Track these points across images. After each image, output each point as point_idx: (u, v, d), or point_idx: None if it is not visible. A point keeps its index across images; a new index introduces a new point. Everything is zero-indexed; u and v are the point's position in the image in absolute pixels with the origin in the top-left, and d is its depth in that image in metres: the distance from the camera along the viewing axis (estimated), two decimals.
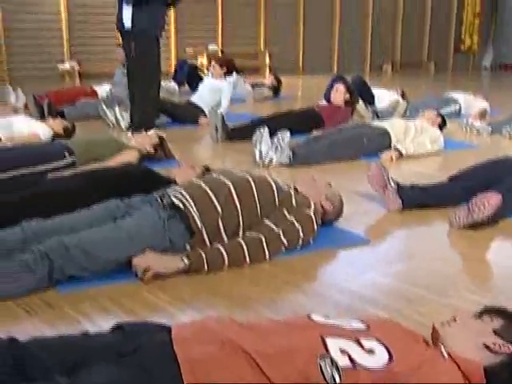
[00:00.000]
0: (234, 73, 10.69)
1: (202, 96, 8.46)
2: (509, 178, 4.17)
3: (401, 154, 6.08)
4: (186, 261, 3.06)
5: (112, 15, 10.08)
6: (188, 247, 3.19)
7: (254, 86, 11.31)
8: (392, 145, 6.17)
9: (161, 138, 5.69)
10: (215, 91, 8.43)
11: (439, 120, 6.94)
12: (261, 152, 5.64)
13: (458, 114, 8.94)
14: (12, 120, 6.47)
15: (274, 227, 3.31)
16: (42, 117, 7.49)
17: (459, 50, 21.27)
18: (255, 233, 3.28)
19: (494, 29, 21.61)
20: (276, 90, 11.42)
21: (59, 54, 13.86)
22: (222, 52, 15.10)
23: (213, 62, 8.87)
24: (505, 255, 3.67)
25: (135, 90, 7.16)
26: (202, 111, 8.20)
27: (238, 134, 6.86)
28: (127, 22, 6.91)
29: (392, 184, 4.32)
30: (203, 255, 3.09)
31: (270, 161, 5.63)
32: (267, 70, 16.03)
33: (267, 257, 3.27)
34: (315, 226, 3.47)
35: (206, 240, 3.22)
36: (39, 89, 9.41)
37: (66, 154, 5.01)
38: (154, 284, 2.99)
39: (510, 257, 3.63)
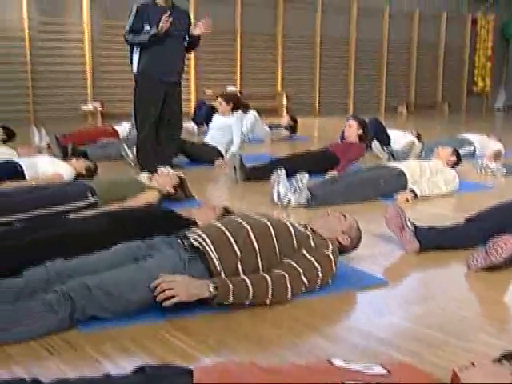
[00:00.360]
0: (252, 111, 10.78)
1: (214, 136, 8.46)
2: None
3: (415, 196, 6.05)
4: (212, 290, 3.01)
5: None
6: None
7: (271, 126, 11.35)
8: (408, 186, 6.14)
9: (181, 179, 5.69)
10: (224, 128, 8.42)
11: (454, 159, 6.90)
12: (279, 193, 5.62)
13: (472, 155, 8.93)
14: (36, 160, 6.50)
15: (295, 265, 3.28)
16: (64, 157, 7.54)
17: (472, 91, 21.39)
18: (277, 270, 3.25)
19: (505, 72, 21.68)
20: (293, 129, 11.45)
21: (83, 95, 14.01)
22: (241, 93, 15.19)
23: (219, 99, 8.80)
24: None
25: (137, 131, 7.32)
26: (219, 152, 8.20)
27: (256, 174, 6.86)
28: (134, 66, 6.99)
29: (409, 226, 4.29)
30: (230, 286, 3.05)
31: (288, 202, 5.60)
32: (284, 111, 16.14)
33: (289, 295, 3.23)
34: (334, 267, 3.44)
35: None
36: (63, 128, 9.51)
37: (89, 194, 5.03)
38: (176, 326, 2.96)
39: None
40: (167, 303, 2.94)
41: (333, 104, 17.62)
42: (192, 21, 7.04)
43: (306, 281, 3.28)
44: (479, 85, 21.42)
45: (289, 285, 3.21)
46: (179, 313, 3.03)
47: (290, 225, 3.50)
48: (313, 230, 3.59)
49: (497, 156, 8.51)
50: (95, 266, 3.16)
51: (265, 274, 3.20)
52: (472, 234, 4.36)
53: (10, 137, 9.13)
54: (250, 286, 3.09)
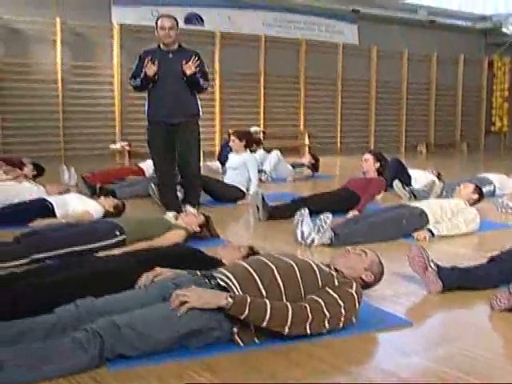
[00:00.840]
0: (275, 151, 10.79)
1: (231, 176, 8.46)
2: None
3: (432, 234, 6.00)
4: (229, 299, 2.99)
5: None
6: (235, 329, 3.11)
7: (294, 165, 11.34)
8: (430, 225, 6.08)
9: (206, 218, 5.68)
10: (240, 167, 8.38)
11: (476, 197, 6.80)
12: (303, 232, 5.59)
13: (492, 194, 8.84)
14: (66, 198, 6.54)
15: (318, 299, 3.23)
16: (93, 195, 7.58)
17: (490, 131, 21.39)
18: (301, 303, 3.20)
19: None
20: (315, 168, 11.43)
21: (111, 135, 14.15)
22: (264, 133, 15.29)
23: (232, 137, 8.73)
24: None
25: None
26: (241, 190, 8.18)
27: (279, 213, 6.83)
28: (145, 111, 7.04)
29: (432, 266, 4.22)
30: (248, 299, 3.03)
31: (312, 241, 5.56)
32: (306, 150, 16.15)
33: (308, 327, 3.17)
34: (357, 305, 3.39)
35: None
36: (91, 166, 9.59)
37: (117, 232, 5.04)
38: (203, 365, 2.92)
39: None
40: (181, 310, 2.94)
41: (354, 143, 17.63)
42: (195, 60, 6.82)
43: (328, 314, 3.22)
44: (497, 124, 21.38)
45: (310, 314, 3.15)
46: (205, 353, 3.00)
47: (314, 264, 3.46)
48: (336, 270, 3.55)
49: None
50: (124, 305, 3.13)
51: (286, 302, 3.16)
52: (494, 275, 4.28)
53: (39, 173, 9.20)
54: (268, 306, 3.05)
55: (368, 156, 7.47)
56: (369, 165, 7.43)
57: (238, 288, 3.17)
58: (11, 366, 2.64)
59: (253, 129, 14.61)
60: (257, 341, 3.15)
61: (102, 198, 6.76)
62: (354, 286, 3.41)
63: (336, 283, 3.38)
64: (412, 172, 9.23)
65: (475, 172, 9.93)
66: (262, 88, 16.29)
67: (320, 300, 3.23)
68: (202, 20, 15.46)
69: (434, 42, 19.30)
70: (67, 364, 2.75)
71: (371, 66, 18.32)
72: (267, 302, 3.08)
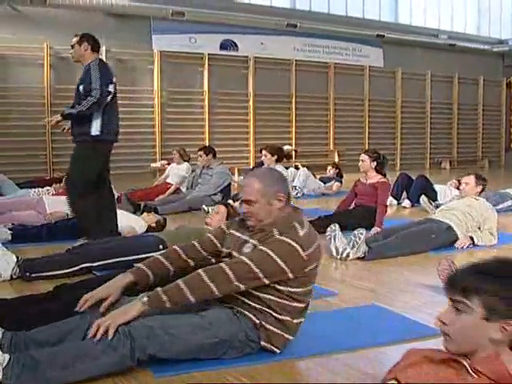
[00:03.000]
0: (302, 168, 10.73)
1: None
2: None
3: (473, 242, 5.98)
4: (144, 299, 2.84)
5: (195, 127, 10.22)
6: (262, 343, 3.03)
7: (323, 181, 11.29)
8: (459, 236, 6.01)
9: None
10: None
11: (479, 189, 6.49)
12: (337, 248, 5.54)
13: None
14: None
15: (237, 259, 3.02)
16: (135, 211, 7.61)
17: (510, 148, 21.14)
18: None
19: None
20: (340, 176, 11.40)
21: (152, 154, 14.24)
22: (296, 151, 15.27)
23: (264, 151, 8.70)
24: None
25: None
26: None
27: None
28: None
29: None
30: (159, 290, 2.86)
31: (347, 256, 5.51)
32: (329, 167, 16.12)
33: (237, 283, 2.90)
34: (276, 258, 2.93)
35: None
36: (134, 184, 9.63)
37: (160, 246, 5.03)
38: (243, 373, 2.88)
39: None
40: (109, 334, 2.73)
41: None
42: None
43: (250, 266, 2.90)
44: None
45: (228, 271, 2.90)
46: (244, 361, 2.97)
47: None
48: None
49: None
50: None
51: (198, 270, 2.95)
52: None
53: None
54: (181, 283, 2.88)
55: (364, 157, 7.26)
56: (366, 165, 7.20)
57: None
58: (46, 367, 2.63)
59: (285, 148, 14.60)
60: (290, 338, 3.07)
61: (145, 214, 6.79)
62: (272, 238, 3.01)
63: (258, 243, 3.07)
64: (438, 187, 9.14)
65: (497, 187, 9.77)
66: (294, 109, 16.31)
67: (238, 256, 3.03)
68: (237, 46, 15.54)
69: (455, 64, 19.21)
70: (97, 363, 2.71)
71: (396, 87, 18.27)
72: (178, 281, 2.90)
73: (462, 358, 1.90)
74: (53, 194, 8.65)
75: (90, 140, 6.04)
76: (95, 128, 6.02)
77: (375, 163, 7.15)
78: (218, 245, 3.30)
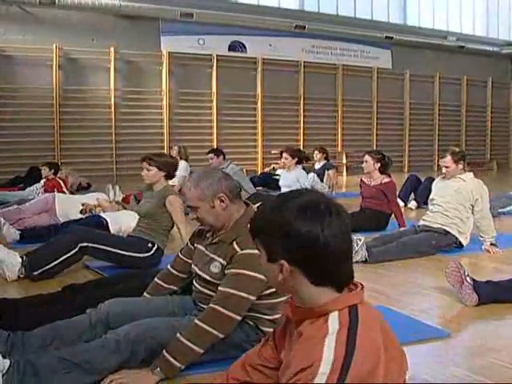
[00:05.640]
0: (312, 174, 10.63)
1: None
2: None
3: (492, 243, 5.97)
4: (157, 370, 2.77)
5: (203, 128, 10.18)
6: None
7: (318, 173, 10.91)
8: (458, 237, 5.98)
9: None
10: (293, 183, 8.31)
11: (461, 165, 6.19)
12: None
13: None
14: (119, 214, 6.61)
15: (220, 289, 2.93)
16: None
17: None
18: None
19: None
20: (328, 160, 11.38)
21: None
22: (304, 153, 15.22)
23: (284, 154, 8.66)
24: None
25: None
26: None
27: None
28: None
29: (468, 280, 4.15)
30: (165, 354, 2.79)
31: None
32: (344, 170, 16.15)
33: (233, 315, 2.85)
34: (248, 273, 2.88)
35: None
36: (142, 185, 9.62)
37: (150, 245, 5.12)
38: None
39: None
40: None
41: None
42: None
43: (236, 292, 2.87)
44: None
45: (222, 309, 2.85)
46: None
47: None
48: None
49: None
50: (150, 311, 3.15)
51: (194, 320, 2.89)
52: None
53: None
54: (183, 339, 2.81)
55: (367, 158, 7.20)
56: (369, 165, 7.15)
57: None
58: (47, 373, 2.64)
59: None
60: None
61: None
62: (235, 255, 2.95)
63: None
64: None
65: (506, 189, 9.74)
66: (302, 110, 16.30)
67: (221, 289, 2.92)
68: (245, 47, 15.55)
69: (464, 65, 19.16)
70: (99, 368, 2.74)
71: (404, 88, 18.23)
72: (178, 336, 2.82)
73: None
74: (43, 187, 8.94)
75: None
76: None
77: (379, 164, 7.11)
78: (190, 261, 3.32)
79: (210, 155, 9.49)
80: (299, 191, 1.79)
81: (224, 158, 9.46)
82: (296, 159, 8.59)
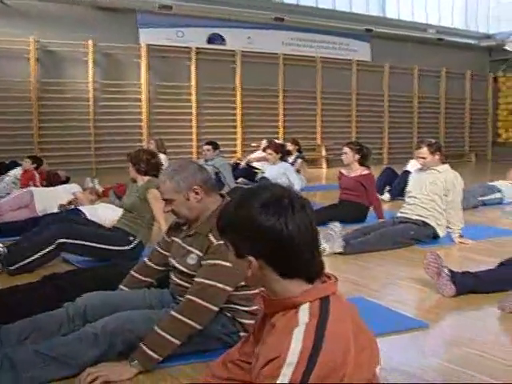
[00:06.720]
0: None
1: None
2: None
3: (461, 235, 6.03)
4: (134, 362, 2.78)
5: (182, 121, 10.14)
6: (241, 334, 3.03)
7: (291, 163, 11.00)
8: (436, 229, 6.03)
9: None
10: (280, 176, 8.41)
11: (438, 156, 6.15)
12: None
13: (500, 201, 8.78)
14: (97, 207, 6.63)
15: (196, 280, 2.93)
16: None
17: (497, 142, 21.26)
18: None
19: None
20: (300, 152, 11.57)
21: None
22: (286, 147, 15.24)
23: (268, 150, 8.90)
24: None
25: None
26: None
27: None
28: None
29: (446, 271, 4.19)
30: (143, 346, 2.79)
31: (323, 250, 5.36)
32: (324, 162, 16.22)
33: (210, 306, 2.85)
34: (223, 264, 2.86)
35: None
36: (121, 179, 9.60)
37: (131, 238, 5.13)
38: None
39: None
40: (96, 383, 2.67)
41: None
42: None
43: (214, 283, 2.86)
44: (503, 136, 21.29)
45: (199, 300, 2.85)
46: None
47: None
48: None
49: None
50: (127, 304, 3.16)
51: (171, 311, 2.89)
52: (503, 279, 4.23)
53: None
54: (159, 330, 2.81)
55: (346, 149, 7.21)
56: (349, 157, 7.16)
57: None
58: (24, 367, 2.65)
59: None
60: None
61: None
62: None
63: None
64: None
65: (484, 180, 9.82)
66: (281, 103, 16.30)
67: (197, 280, 2.92)
68: (224, 40, 15.52)
69: (443, 58, 19.25)
70: (77, 361, 2.75)
71: (384, 81, 18.28)
72: (155, 328, 2.82)
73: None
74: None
75: None
76: None
77: (358, 155, 7.13)
78: (167, 254, 3.32)
79: (208, 147, 9.67)
80: (262, 187, 1.82)
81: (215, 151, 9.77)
82: (280, 154, 8.77)
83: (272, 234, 1.67)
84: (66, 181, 9.82)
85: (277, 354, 1.56)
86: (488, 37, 20.53)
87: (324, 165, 16.47)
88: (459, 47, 19.72)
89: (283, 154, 8.98)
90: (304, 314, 1.65)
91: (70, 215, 6.24)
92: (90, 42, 13.37)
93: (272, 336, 1.69)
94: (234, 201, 1.80)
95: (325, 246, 5.43)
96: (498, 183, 9.20)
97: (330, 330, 1.60)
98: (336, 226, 5.55)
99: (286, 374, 1.51)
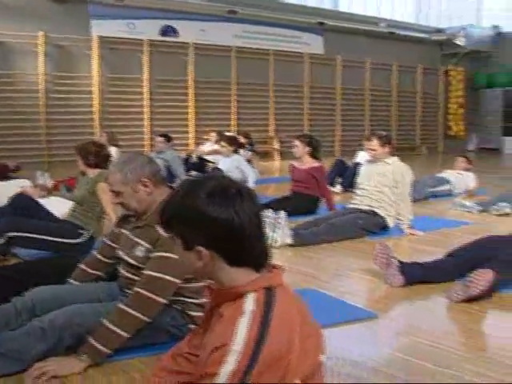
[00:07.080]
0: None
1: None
2: (498, 255, 4.11)
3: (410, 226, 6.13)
4: (83, 357, 2.78)
5: (135, 114, 10.02)
6: (191, 326, 3.04)
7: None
8: (385, 218, 6.13)
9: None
10: (233, 169, 8.42)
11: (388, 149, 6.26)
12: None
13: (450, 192, 8.93)
14: (47, 201, 6.54)
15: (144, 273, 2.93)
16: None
17: (448, 135, 21.61)
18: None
19: (476, 118, 21.99)
20: (251, 145, 11.62)
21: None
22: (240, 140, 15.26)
23: (222, 143, 9.01)
24: (500, 327, 3.58)
25: None
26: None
27: None
28: None
29: (394, 261, 4.27)
30: (91, 340, 2.78)
31: (275, 242, 5.46)
32: (277, 154, 16.27)
33: (158, 298, 2.85)
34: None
35: None
36: (73, 172, 9.50)
37: (80, 231, 5.08)
38: None
39: (504, 328, 3.54)
40: (41, 380, 2.65)
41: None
42: None
43: (162, 275, 2.86)
44: (453, 129, 21.65)
45: (147, 293, 2.85)
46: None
47: None
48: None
49: (472, 194, 8.57)
50: (74, 298, 3.11)
51: (118, 304, 2.89)
52: (450, 269, 4.33)
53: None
54: (107, 323, 2.81)
55: (297, 142, 7.26)
56: (299, 150, 7.21)
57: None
58: None
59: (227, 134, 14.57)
60: None
61: None
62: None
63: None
64: None
65: (435, 172, 9.97)
66: (234, 96, 16.29)
67: (145, 273, 2.91)
68: (177, 32, 15.43)
69: (394, 52, 19.49)
70: (25, 356, 2.73)
71: (336, 74, 18.41)
72: (103, 321, 2.82)
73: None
74: None
75: None
76: None
77: (308, 148, 7.19)
78: (116, 246, 3.30)
79: (161, 139, 9.91)
80: (207, 177, 1.84)
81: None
82: (234, 147, 8.77)
83: (222, 223, 1.67)
84: (16, 170, 9.64)
85: (223, 342, 1.58)
86: (439, 31, 20.87)
87: (277, 157, 16.54)
88: (411, 41, 19.99)
89: (237, 146, 9.01)
90: (250, 302, 1.67)
91: (21, 201, 6.14)
92: (41, 34, 13.15)
93: (219, 325, 1.70)
94: (179, 192, 1.78)
95: (275, 235, 5.48)
96: (447, 174, 9.35)
97: (276, 318, 1.63)
98: (281, 216, 5.57)
99: (231, 361, 1.54)
